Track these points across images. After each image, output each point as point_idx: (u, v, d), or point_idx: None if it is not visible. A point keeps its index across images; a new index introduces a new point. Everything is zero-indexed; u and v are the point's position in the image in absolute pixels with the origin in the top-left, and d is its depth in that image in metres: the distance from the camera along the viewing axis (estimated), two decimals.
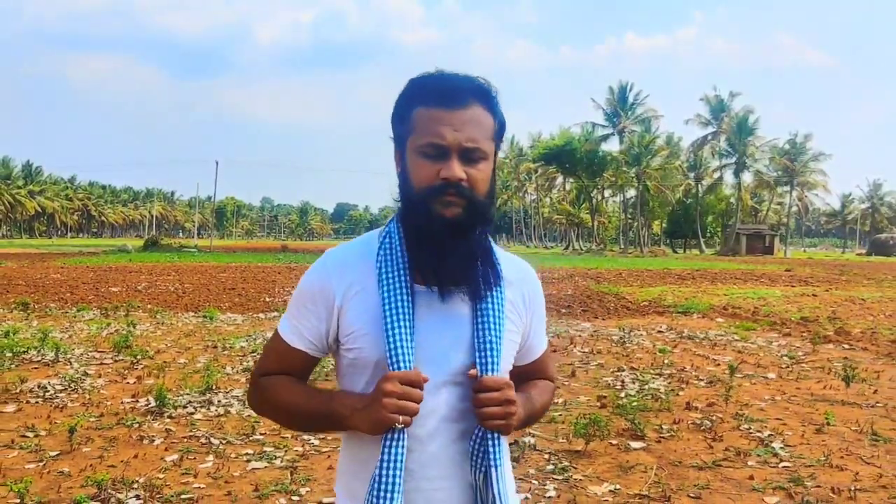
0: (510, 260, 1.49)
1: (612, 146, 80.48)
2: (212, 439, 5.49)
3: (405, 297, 1.33)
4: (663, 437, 5.68)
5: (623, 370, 8.50)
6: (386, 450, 1.29)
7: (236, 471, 4.78)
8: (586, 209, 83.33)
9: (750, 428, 5.97)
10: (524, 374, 1.56)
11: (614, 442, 5.51)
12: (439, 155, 1.28)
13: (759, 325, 13.04)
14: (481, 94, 1.33)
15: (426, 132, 1.29)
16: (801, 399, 7.11)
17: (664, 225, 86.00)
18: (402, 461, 1.30)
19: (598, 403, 6.80)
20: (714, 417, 6.26)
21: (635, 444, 5.46)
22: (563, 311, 15.39)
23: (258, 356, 2.25)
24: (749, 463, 5.03)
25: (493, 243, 1.42)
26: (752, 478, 4.69)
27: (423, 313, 1.35)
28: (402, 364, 1.28)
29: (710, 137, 76.68)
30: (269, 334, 10.43)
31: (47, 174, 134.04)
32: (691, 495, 4.37)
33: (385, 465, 1.29)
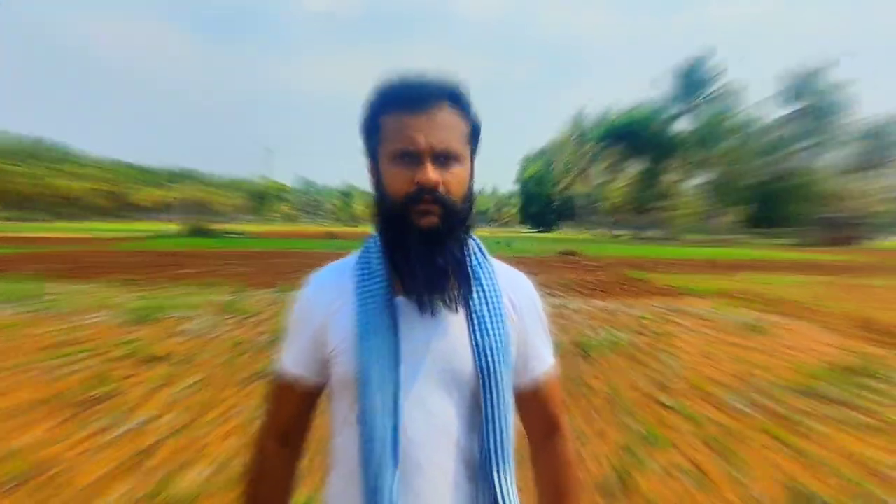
0: (503, 268, 1.74)
1: (684, 126, 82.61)
2: None
3: (382, 310, 1.54)
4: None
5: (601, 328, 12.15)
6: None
7: None
8: (656, 194, 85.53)
9: None
10: (527, 403, 1.76)
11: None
12: (412, 160, 1.47)
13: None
14: (449, 95, 1.52)
15: (397, 139, 1.48)
16: None
17: (749, 211, 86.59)
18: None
19: (571, 344, 10.48)
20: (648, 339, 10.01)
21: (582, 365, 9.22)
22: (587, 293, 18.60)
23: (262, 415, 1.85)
24: None
25: (481, 249, 1.70)
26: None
27: (409, 325, 1.55)
28: (372, 383, 1.49)
29: (794, 116, 77.63)
30: None
31: (77, 153, 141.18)
32: None
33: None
